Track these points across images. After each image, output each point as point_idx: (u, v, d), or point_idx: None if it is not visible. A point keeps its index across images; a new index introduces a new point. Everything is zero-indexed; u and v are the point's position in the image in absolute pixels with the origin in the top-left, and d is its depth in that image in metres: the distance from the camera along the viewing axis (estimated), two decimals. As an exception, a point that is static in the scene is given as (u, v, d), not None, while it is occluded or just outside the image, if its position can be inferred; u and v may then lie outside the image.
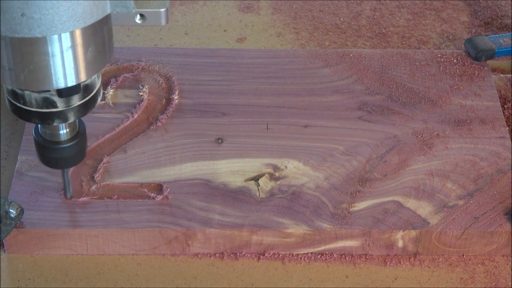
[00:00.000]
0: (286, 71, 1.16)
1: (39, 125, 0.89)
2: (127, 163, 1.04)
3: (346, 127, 1.09)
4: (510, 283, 0.98)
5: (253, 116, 1.10)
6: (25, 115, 0.84)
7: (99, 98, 0.86)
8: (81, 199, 1.00)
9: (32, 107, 0.83)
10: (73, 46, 0.77)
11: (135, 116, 1.09)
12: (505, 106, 1.15)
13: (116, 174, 1.03)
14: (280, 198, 1.01)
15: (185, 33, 1.28)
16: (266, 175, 1.03)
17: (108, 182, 1.02)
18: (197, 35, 1.27)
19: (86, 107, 0.84)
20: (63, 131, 0.89)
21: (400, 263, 0.99)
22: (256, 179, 1.03)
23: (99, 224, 0.97)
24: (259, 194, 1.01)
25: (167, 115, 1.09)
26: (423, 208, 1.00)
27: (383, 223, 0.98)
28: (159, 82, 1.14)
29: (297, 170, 1.04)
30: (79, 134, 0.90)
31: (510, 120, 1.13)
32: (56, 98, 0.82)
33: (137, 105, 1.11)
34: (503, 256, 1.00)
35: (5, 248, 0.98)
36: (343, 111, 1.11)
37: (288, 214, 0.99)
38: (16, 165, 1.03)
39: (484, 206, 1.01)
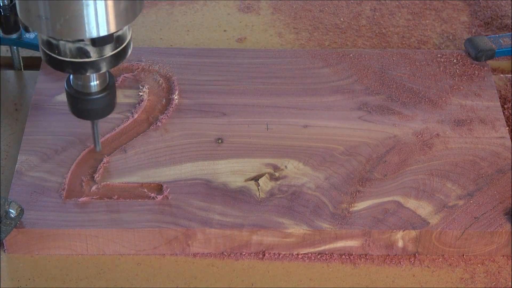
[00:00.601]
0: (286, 71, 1.16)
1: (71, 77, 0.93)
2: (127, 163, 1.04)
3: (346, 127, 1.09)
4: (510, 283, 0.98)
5: (253, 116, 1.10)
6: (59, 65, 0.87)
7: (130, 50, 0.90)
8: (81, 199, 1.00)
9: (67, 57, 0.86)
10: None
11: (135, 116, 1.09)
12: (505, 106, 1.15)
13: (116, 174, 1.03)
14: (280, 198, 1.01)
15: (185, 33, 1.28)
16: (266, 175, 1.03)
17: (108, 182, 1.02)
18: (197, 35, 1.27)
19: (118, 58, 0.88)
20: (94, 83, 0.92)
21: (400, 263, 0.99)
22: (256, 179, 1.03)
23: (99, 224, 0.97)
24: (259, 194, 1.01)
25: (167, 115, 1.09)
26: (423, 208, 1.00)
27: (383, 223, 0.98)
28: (159, 82, 1.14)
29: (297, 170, 1.04)
30: (109, 86, 0.93)
31: (510, 120, 1.14)
32: (89, 48, 0.85)
33: (137, 105, 1.11)
34: (503, 256, 1.00)
35: (5, 248, 0.98)
36: (343, 111, 1.11)
37: (288, 214, 0.99)
38: (16, 165, 1.03)
39: (484, 206, 1.01)
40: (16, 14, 1.14)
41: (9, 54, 1.20)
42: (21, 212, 0.96)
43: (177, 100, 1.11)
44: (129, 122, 1.09)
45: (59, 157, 1.04)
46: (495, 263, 1.00)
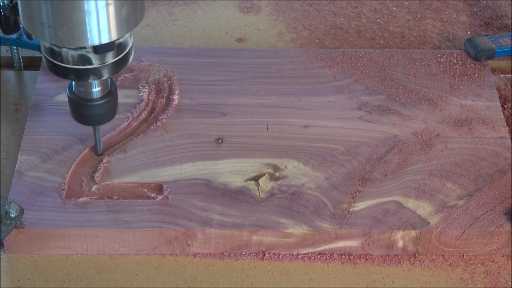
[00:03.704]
0: (286, 71, 1.16)
1: (73, 83, 0.94)
2: (127, 163, 1.04)
3: (346, 127, 1.09)
4: (510, 283, 0.98)
5: (253, 116, 1.10)
6: (62, 72, 0.89)
7: (131, 57, 0.91)
8: (81, 199, 1.00)
9: (69, 64, 0.88)
10: (109, 4, 0.82)
11: (135, 116, 1.09)
12: (505, 106, 1.15)
13: (116, 174, 1.03)
14: (280, 198, 1.01)
15: (185, 33, 1.28)
16: (266, 175, 1.03)
17: (108, 182, 1.02)
18: (197, 35, 1.27)
19: (119, 65, 0.90)
20: (96, 89, 0.94)
21: (400, 263, 0.99)
22: (256, 179, 1.03)
23: (99, 224, 0.97)
24: (259, 194, 1.01)
25: (167, 115, 1.09)
26: (423, 208, 1.00)
27: (383, 223, 0.98)
28: (159, 82, 1.14)
29: (297, 170, 1.04)
30: (111, 92, 0.95)
31: (510, 120, 1.14)
32: (91, 55, 0.87)
33: (137, 105, 1.11)
34: (503, 256, 1.00)
35: (5, 248, 0.98)
36: (343, 111, 1.11)
37: (288, 214, 0.99)
38: (16, 165, 1.03)
39: (484, 206, 1.01)
40: (16, 14, 1.14)
41: (9, 54, 1.20)
42: (21, 212, 0.96)
43: (177, 100, 1.11)
44: (129, 122, 1.09)
45: (59, 157, 1.04)
46: (495, 263, 1.00)
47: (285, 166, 1.04)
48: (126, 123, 1.08)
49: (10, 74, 1.19)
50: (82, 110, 0.96)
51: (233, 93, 1.13)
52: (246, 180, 1.03)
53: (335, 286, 0.97)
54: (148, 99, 1.11)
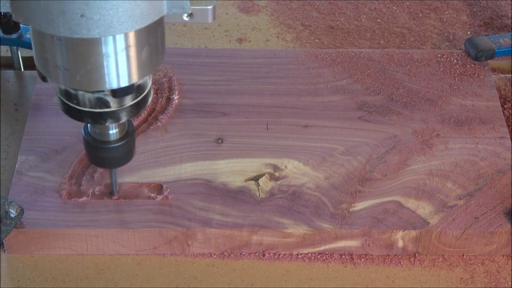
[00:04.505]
0: (286, 71, 1.16)
1: (88, 125, 0.90)
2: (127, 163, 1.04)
3: (346, 127, 1.09)
4: (510, 283, 0.98)
5: (253, 116, 1.10)
6: (78, 115, 0.84)
7: (150, 98, 0.87)
8: (81, 199, 1.00)
9: (85, 107, 0.83)
10: (129, 47, 0.78)
11: (135, 116, 1.09)
12: (505, 106, 1.15)
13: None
14: (280, 198, 1.01)
15: (186, 33, 1.28)
16: (266, 175, 1.03)
17: (108, 182, 1.02)
18: (197, 35, 1.27)
19: (138, 107, 0.85)
20: (113, 131, 0.89)
21: (400, 263, 0.99)
22: (256, 179, 1.03)
23: (99, 224, 0.97)
24: (259, 194, 1.01)
25: (167, 115, 1.09)
26: (423, 208, 1.00)
27: (383, 223, 0.98)
28: (159, 82, 1.14)
29: (297, 170, 1.04)
30: (128, 134, 0.91)
31: (510, 120, 1.14)
32: (109, 98, 0.83)
33: (137, 105, 1.10)
34: (503, 256, 1.00)
35: (5, 248, 0.98)
36: (343, 111, 1.11)
37: (288, 214, 0.99)
38: (16, 165, 1.03)
39: (484, 206, 1.01)
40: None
41: (9, 54, 1.20)
42: (21, 212, 0.96)
43: (177, 100, 1.11)
44: (129, 122, 1.09)
45: (59, 157, 1.04)
46: (495, 263, 1.00)
47: (285, 166, 1.04)
48: (126, 123, 1.08)
49: (10, 74, 1.19)
50: (99, 153, 0.91)
51: (233, 93, 1.13)
52: (246, 180, 1.03)
53: (335, 286, 0.97)
54: (148, 99, 1.11)
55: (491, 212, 1.00)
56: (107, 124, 0.86)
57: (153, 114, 1.10)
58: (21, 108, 1.14)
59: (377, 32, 1.29)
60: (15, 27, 1.15)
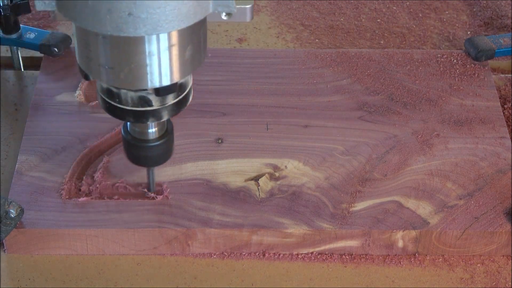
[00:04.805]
0: (286, 71, 1.16)
1: (128, 123, 0.90)
2: (127, 163, 1.04)
3: (346, 127, 1.09)
4: (510, 283, 0.98)
5: (253, 116, 1.10)
6: (120, 114, 0.84)
7: (191, 97, 0.87)
8: (81, 199, 0.99)
9: (128, 106, 0.83)
10: (172, 46, 0.78)
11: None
12: (505, 106, 1.15)
13: (116, 174, 1.03)
14: (280, 198, 1.01)
15: (185, 33, 1.28)
16: (266, 175, 1.03)
17: (108, 182, 1.02)
18: (197, 35, 1.27)
19: (180, 106, 0.85)
20: (153, 130, 0.89)
21: (400, 263, 0.99)
22: (256, 179, 1.03)
23: (99, 224, 0.97)
24: (259, 194, 1.01)
25: (167, 115, 1.09)
26: (423, 208, 1.00)
27: (383, 223, 0.98)
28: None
29: (297, 170, 1.04)
30: (167, 133, 0.91)
31: (510, 120, 1.14)
32: (152, 97, 0.83)
33: (137, 105, 1.10)
34: (503, 256, 1.00)
35: (5, 248, 0.98)
36: (343, 111, 1.11)
37: (288, 214, 0.99)
38: (16, 165, 1.03)
39: (484, 206, 1.01)
40: (16, 14, 1.14)
41: (9, 54, 1.20)
42: (21, 212, 0.96)
43: (177, 100, 1.11)
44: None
45: (59, 157, 1.04)
46: (495, 263, 1.00)
47: (285, 166, 1.04)
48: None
49: (10, 74, 1.19)
50: (138, 152, 0.91)
51: (233, 93, 1.13)
52: (246, 180, 1.03)
53: (335, 286, 0.97)
54: (148, 99, 1.11)
55: (491, 212, 1.00)
56: (148, 122, 0.86)
57: (153, 114, 1.10)
58: (21, 108, 1.14)
59: (377, 32, 1.29)
60: (15, 27, 1.15)
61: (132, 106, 0.83)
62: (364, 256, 1.00)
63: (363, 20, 1.31)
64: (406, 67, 1.17)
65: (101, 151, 1.05)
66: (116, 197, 1.00)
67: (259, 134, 1.08)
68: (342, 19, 1.31)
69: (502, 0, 1.34)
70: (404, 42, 1.27)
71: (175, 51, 0.79)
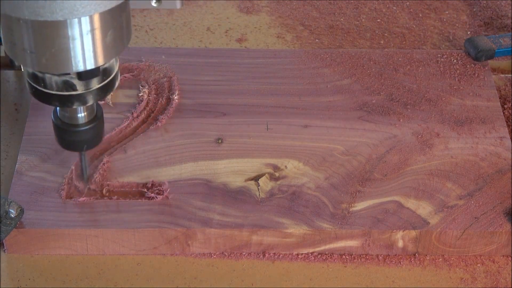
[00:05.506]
0: (286, 71, 1.16)
1: (57, 108, 0.91)
2: (127, 163, 1.04)
3: (346, 127, 1.09)
4: (510, 283, 0.98)
5: (253, 116, 1.10)
6: (46, 98, 0.86)
7: (117, 82, 0.88)
8: (81, 199, 1.00)
9: (53, 90, 0.85)
10: (93, 30, 0.79)
11: (135, 116, 1.09)
12: (505, 106, 1.15)
13: (116, 174, 1.03)
14: (280, 198, 1.01)
15: (185, 33, 1.28)
16: (266, 175, 1.03)
17: (108, 182, 1.02)
18: (197, 35, 1.27)
19: (105, 90, 0.86)
20: (81, 114, 0.91)
21: (400, 263, 0.99)
22: (256, 179, 1.03)
23: (99, 224, 0.97)
24: (259, 194, 1.01)
25: (167, 115, 1.09)
26: (423, 208, 1.00)
27: (383, 223, 0.98)
28: (159, 82, 1.14)
29: (297, 170, 1.04)
30: (96, 117, 0.92)
31: (510, 120, 1.14)
32: (76, 81, 0.84)
33: (137, 105, 1.11)
34: (503, 256, 1.00)
35: (5, 248, 0.98)
36: (343, 111, 1.11)
37: (288, 214, 0.99)
38: (16, 165, 1.03)
39: (484, 206, 1.01)
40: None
41: (9, 54, 1.20)
42: (21, 212, 0.96)
43: (177, 100, 1.11)
44: (129, 122, 1.09)
45: (59, 157, 1.04)
46: (495, 263, 1.00)
47: (285, 166, 1.04)
48: (126, 123, 1.08)
49: (10, 74, 1.19)
50: (68, 136, 0.92)
51: (233, 93, 1.13)
52: (246, 180, 1.03)
53: (335, 286, 0.97)
54: (148, 99, 1.11)
55: (491, 212, 1.00)
56: (74, 107, 0.87)
57: (153, 114, 1.10)
58: (21, 108, 1.14)
59: (377, 32, 1.29)
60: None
61: (57, 91, 0.84)
62: (364, 256, 1.00)
63: (363, 20, 1.31)
64: (406, 67, 1.17)
65: (101, 151, 1.05)
66: (116, 197, 1.00)
67: (259, 134, 1.08)
68: (342, 19, 1.31)
69: (502, 0, 1.34)
70: (404, 42, 1.27)
71: (96, 35, 0.80)
